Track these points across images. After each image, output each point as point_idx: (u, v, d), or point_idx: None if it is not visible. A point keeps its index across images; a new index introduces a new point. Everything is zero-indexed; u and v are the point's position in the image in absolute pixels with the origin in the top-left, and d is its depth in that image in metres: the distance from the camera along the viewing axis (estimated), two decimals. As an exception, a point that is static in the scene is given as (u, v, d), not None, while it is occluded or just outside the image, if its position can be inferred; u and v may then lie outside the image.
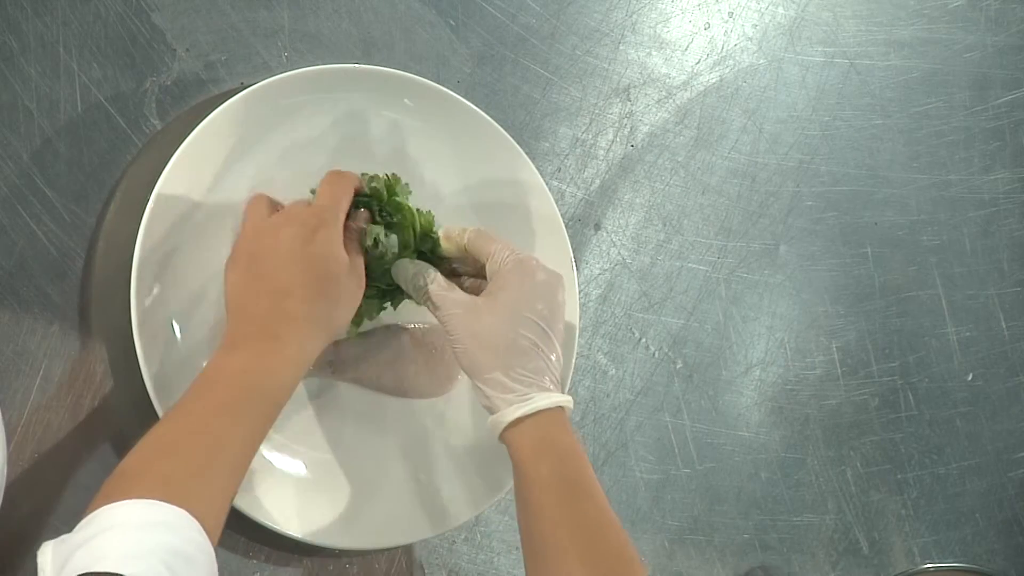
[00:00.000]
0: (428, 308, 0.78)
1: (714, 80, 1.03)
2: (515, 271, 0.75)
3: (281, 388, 0.72)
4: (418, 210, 0.83)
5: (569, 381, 0.90)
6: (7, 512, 0.77)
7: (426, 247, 0.84)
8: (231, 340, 0.73)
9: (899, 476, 1.04)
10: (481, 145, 0.90)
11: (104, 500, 0.62)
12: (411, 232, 0.83)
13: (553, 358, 0.73)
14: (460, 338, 0.74)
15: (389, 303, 0.86)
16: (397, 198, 0.82)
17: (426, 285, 0.77)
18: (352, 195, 0.80)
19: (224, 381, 0.70)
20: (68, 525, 0.79)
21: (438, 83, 0.89)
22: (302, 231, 0.76)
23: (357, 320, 0.85)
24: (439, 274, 0.77)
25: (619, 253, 0.98)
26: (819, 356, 1.03)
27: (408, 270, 0.79)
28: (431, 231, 0.83)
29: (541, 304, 0.74)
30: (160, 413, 0.78)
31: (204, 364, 0.81)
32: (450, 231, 0.79)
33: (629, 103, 1.00)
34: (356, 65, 0.87)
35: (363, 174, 0.83)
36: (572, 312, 0.91)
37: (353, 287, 0.78)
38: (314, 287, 0.75)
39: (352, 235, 0.79)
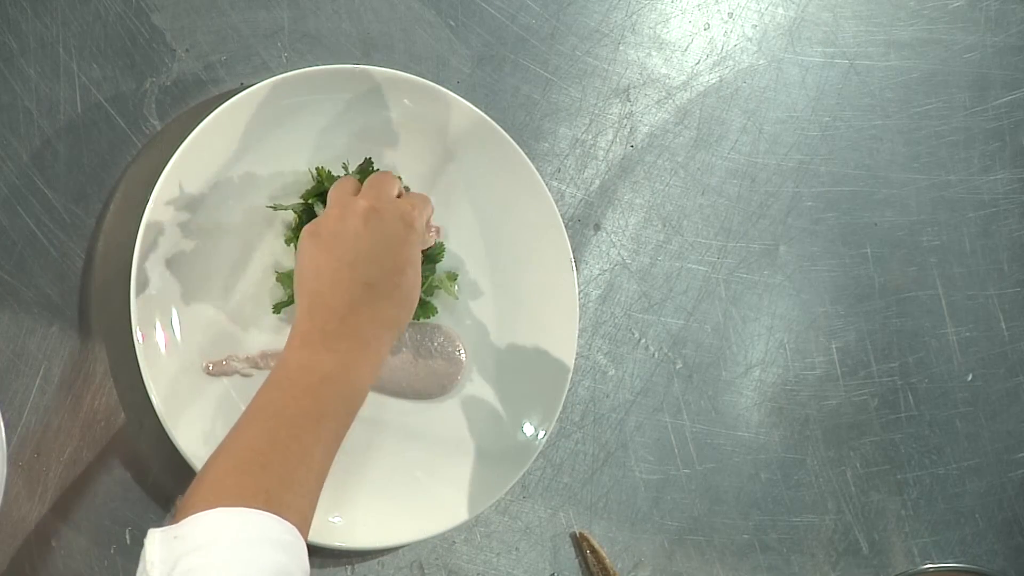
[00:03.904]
0: None
1: (714, 80, 1.03)
2: None
3: (363, 394, 0.70)
4: None
5: (567, 386, 0.90)
6: (7, 512, 0.77)
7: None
8: (313, 333, 0.69)
9: (899, 476, 1.04)
10: (481, 146, 0.90)
11: (204, 503, 0.60)
12: None
13: None
14: None
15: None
16: None
17: None
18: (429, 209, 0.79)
19: (309, 386, 0.67)
20: (68, 525, 0.79)
21: (438, 83, 0.89)
22: (400, 227, 0.72)
23: None
24: None
25: (619, 253, 0.98)
26: (819, 356, 1.03)
27: None
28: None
29: None
30: (160, 413, 0.78)
31: (203, 364, 0.82)
32: None
33: (629, 103, 1.00)
34: (356, 65, 0.87)
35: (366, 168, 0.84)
36: (571, 312, 0.91)
37: (415, 296, 0.75)
38: (402, 291, 0.72)
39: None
